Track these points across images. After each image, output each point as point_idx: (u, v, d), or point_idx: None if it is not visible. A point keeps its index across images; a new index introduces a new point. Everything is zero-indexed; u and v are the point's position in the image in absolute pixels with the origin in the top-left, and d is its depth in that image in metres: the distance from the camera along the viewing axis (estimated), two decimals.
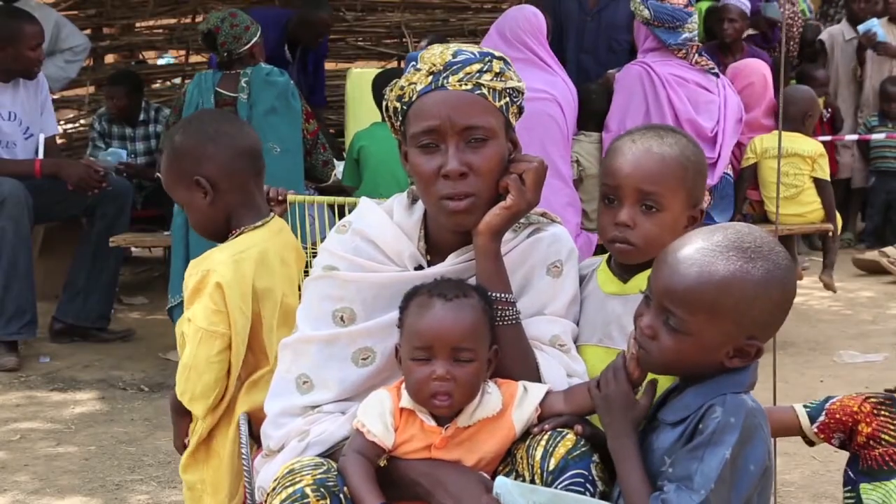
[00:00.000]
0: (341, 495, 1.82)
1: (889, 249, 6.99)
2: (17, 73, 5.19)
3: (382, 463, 1.89)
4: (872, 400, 2.10)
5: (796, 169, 5.32)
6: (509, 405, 1.89)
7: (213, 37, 4.79)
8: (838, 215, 5.53)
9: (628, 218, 2.01)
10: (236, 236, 2.36)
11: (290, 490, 1.79)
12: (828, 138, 6.20)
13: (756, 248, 1.70)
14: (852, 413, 2.11)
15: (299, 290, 2.33)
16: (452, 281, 1.96)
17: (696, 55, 4.84)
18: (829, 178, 5.46)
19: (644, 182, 2.00)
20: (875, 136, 7.75)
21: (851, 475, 2.12)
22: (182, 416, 2.38)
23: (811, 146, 5.43)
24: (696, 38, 4.83)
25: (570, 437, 1.81)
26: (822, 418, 2.14)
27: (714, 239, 1.72)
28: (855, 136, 7.90)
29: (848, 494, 2.12)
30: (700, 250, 1.71)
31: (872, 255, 7.07)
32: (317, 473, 1.83)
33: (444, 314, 1.87)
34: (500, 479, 1.80)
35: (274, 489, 1.83)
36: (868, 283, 6.72)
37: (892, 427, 2.07)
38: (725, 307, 1.68)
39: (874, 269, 6.96)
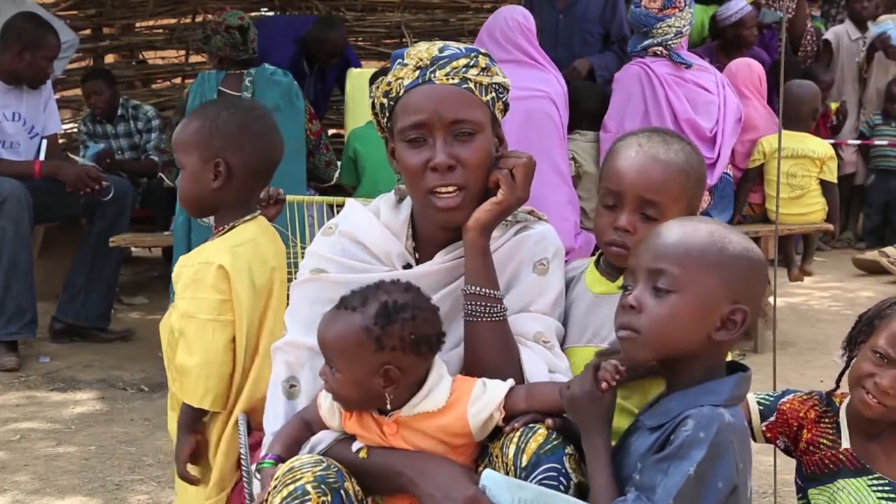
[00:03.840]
0: (342, 492, 1.82)
1: (889, 249, 6.99)
2: (25, 80, 5.22)
3: (363, 455, 1.90)
4: (817, 408, 2.16)
5: (805, 171, 5.27)
6: (458, 402, 1.87)
7: (244, 31, 4.71)
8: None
9: (628, 223, 2.01)
10: (227, 230, 2.33)
11: (291, 487, 1.80)
12: (831, 141, 6.19)
13: (727, 227, 1.81)
14: (798, 417, 2.17)
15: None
16: (380, 289, 1.89)
17: (671, 53, 4.77)
18: (836, 181, 5.44)
19: (648, 191, 2.01)
20: (877, 143, 7.77)
21: (800, 482, 2.16)
22: (192, 432, 2.29)
23: (821, 148, 5.38)
24: (670, 41, 4.73)
25: (542, 432, 1.81)
26: (772, 418, 2.19)
27: (692, 219, 1.84)
28: (858, 142, 7.91)
29: (800, 501, 2.16)
30: (681, 221, 1.81)
31: (872, 255, 7.07)
32: (317, 470, 1.83)
33: (324, 322, 1.91)
34: (487, 471, 1.80)
35: (275, 487, 1.83)
36: (868, 283, 6.72)
37: (830, 433, 2.12)
38: (712, 258, 1.73)
39: (874, 269, 6.95)
